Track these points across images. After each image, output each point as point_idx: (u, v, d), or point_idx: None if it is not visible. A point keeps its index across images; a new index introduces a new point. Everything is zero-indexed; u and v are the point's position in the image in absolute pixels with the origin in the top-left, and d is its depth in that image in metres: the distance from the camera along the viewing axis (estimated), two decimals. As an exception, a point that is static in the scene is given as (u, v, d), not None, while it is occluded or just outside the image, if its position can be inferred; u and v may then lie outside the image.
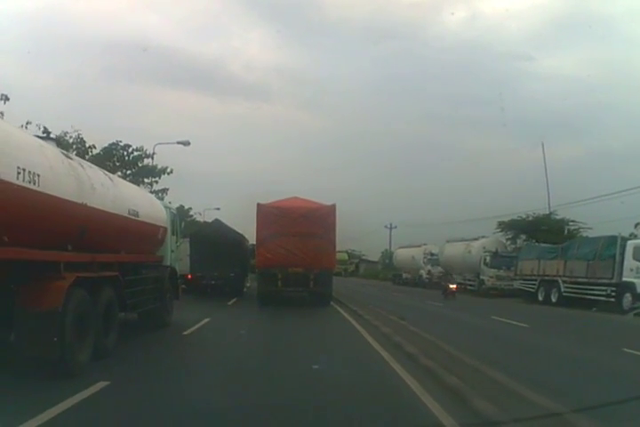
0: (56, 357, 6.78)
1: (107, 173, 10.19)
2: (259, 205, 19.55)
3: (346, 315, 16.78)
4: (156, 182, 27.23)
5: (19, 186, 6.22)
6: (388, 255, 67.13)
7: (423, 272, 42.57)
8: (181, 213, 29.18)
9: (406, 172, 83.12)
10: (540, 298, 25.33)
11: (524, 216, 37.06)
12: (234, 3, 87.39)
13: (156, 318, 12.02)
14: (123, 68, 77.78)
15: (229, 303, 20.14)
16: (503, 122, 73.64)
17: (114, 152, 25.85)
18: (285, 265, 18.63)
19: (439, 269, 39.80)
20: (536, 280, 26.08)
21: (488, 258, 31.97)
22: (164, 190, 27.72)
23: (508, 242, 37.58)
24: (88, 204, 8.03)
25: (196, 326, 12.77)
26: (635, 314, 19.43)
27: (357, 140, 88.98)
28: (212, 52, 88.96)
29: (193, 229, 29.21)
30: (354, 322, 14.75)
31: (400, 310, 17.56)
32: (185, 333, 11.86)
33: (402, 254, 49.54)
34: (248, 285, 26.27)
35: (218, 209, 43.12)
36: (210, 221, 37.37)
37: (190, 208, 37.28)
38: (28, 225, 6.54)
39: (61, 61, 68.17)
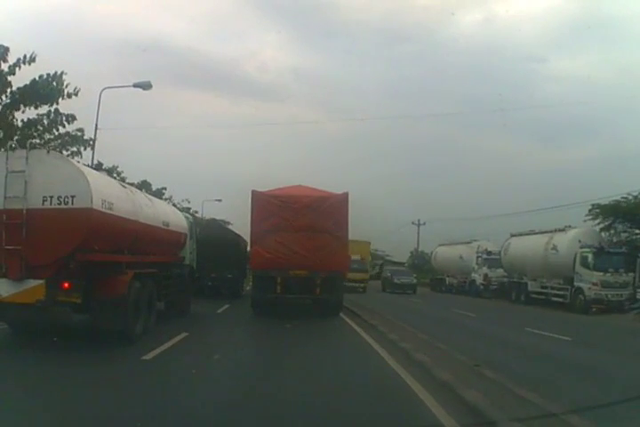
0: (123, 329, 9.72)
1: (146, 194, 13.20)
2: (254, 192, 16.19)
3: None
4: (69, 119, 16.09)
5: (103, 212, 9.21)
6: (417, 255, 58.60)
7: (477, 276, 33.10)
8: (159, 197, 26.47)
9: (428, 170, 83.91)
10: None
11: (620, 199, 27.67)
12: (249, 4, 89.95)
13: (179, 308, 15.04)
14: (133, 68, 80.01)
15: (150, 354, 9.07)
16: (521, 121, 76.03)
17: None
18: (286, 267, 15.50)
19: (500, 271, 30.48)
20: None
21: (590, 256, 22.65)
22: (85, 141, 18.18)
23: (602, 233, 27.91)
24: (139, 220, 11.00)
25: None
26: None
27: (371, 139, 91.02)
28: (228, 53, 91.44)
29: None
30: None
31: (518, 365, 9.28)
32: None
33: (444, 254, 39.03)
34: (247, 288, 25.76)
35: (219, 201, 42.59)
36: (208, 215, 38.19)
37: (164, 188, 34.27)
38: (106, 237, 9.52)
39: (72, 61, 70.57)
